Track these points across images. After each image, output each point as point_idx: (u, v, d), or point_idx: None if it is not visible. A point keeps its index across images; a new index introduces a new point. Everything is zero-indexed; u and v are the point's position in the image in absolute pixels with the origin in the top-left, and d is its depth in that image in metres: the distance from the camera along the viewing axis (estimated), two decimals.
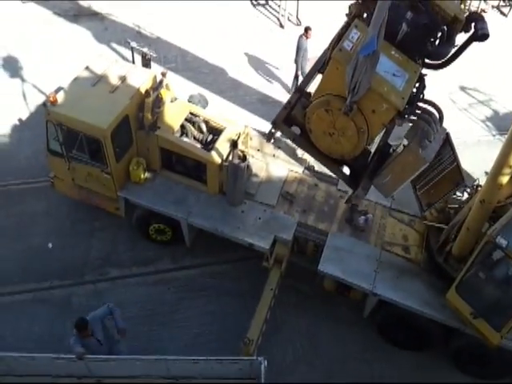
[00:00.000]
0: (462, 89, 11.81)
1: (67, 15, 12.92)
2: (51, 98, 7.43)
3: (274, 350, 7.52)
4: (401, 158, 3.69)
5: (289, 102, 4.50)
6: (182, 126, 8.16)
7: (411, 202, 8.04)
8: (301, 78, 10.63)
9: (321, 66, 4.52)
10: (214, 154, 7.82)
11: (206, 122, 8.34)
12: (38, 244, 8.80)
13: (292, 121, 4.33)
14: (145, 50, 8.27)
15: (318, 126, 3.95)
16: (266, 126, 10.29)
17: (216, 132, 8.27)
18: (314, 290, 7.95)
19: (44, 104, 7.55)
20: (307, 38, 10.61)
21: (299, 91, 4.53)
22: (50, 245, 8.82)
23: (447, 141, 4.08)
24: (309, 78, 4.75)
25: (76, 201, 8.85)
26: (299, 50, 10.69)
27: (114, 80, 7.86)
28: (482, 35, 4.29)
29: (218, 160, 7.80)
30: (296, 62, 10.86)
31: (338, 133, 3.85)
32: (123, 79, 7.87)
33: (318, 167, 8.65)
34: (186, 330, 7.82)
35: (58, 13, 12.93)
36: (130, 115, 7.70)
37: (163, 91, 7.90)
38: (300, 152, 8.37)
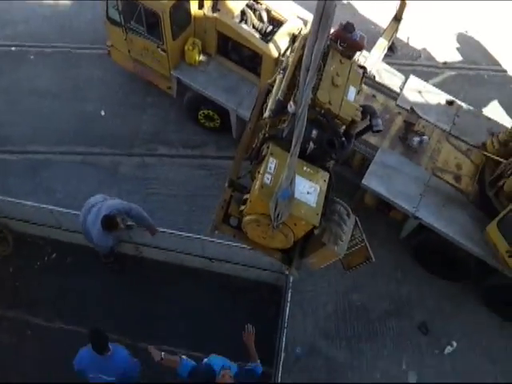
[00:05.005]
0: None
1: None
2: None
3: None
4: (321, 252, 4.26)
5: (224, 199, 4.69)
6: (243, 12, 7.68)
7: (473, 130, 7.63)
8: None
9: (248, 156, 4.82)
10: (271, 46, 7.42)
11: (268, 12, 7.82)
12: (91, 109, 8.97)
13: (229, 216, 4.65)
14: None
15: (252, 233, 4.43)
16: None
17: (276, 24, 7.77)
18: (354, 203, 7.84)
19: None
20: None
21: (231, 185, 4.71)
22: (103, 112, 8.97)
23: (357, 225, 4.56)
24: (237, 168, 4.93)
25: (130, 73, 8.79)
26: None
27: None
28: (376, 131, 4.99)
29: (275, 53, 7.40)
30: None
31: (270, 237, 4.35)
32: None
33: (379, 77, 8.18)
34: None
35: None
36: None
37: None
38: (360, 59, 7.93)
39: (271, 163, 4.08)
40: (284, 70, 4.76)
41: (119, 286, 6.76)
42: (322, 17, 2.63)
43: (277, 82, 4.74)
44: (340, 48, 4.78)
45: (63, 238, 7.03)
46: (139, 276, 6.87)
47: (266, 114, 4.46)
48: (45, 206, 6.55)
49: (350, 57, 4.89)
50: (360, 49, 5.28)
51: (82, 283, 6.71)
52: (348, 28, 5.10)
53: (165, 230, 6.48)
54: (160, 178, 8.38)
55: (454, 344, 7.34)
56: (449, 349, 7.30)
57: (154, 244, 6.81)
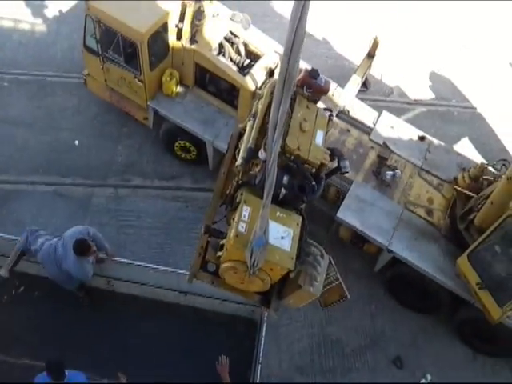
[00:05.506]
0: None
1: None
2: None
3: None
4: (297, 293, 4.35)
5: (201, 246, 4.71)
6: (221, 45, 7.78)
7: (444, 165, 7.83)
8: None
9: (223, 202, 4.91)
10: (248, 79, 7.50)
11: (245, 45, 7.94)
12: (64, 139, 8.86)
13: (206, 262, 4.69)
14: None
15: (230, 279, 4.48)
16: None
17: (253, 57, 7.88)
18: (328, 236, 7.80)
19: None
20: None
21: (207, 231, 4.73)
22: (77, 142, 8.87)
23: (330, 263, 4.65)
24: (212, 214, 4.99)
25: (106, 103, 8.75)
26: None
27: None
28: (344, 172, 4.94)
29: (252, 86, 7.50)
30: None
31: (248, 282, 4.40)
32: None
33: (353, 112, 8.34)
34: None
35: None
36: (170, 24, 7.37)
37: (206, 3, 7.44)
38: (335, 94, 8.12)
39: (245, 211, 4.11)
40: (254, 116, 4.78)
41: (89, 320, 6.55)
42: (286, 78, 2.66)
43: (247, 128, 4.77)
44: (306, 94, 4.87)
45: (31, 270, 6.78)
46: (110, 310, 6.69)
47: (238, 161, 4.48)
48: (14, 237, 6.34)
49: (316, 101, 4.98)
50: (325, 93, 5.39)
51: (51, 317, 6.49)
52: (313, 74, 5.23)
53: (139, 263, 6.33)
54: (134, 210, 8.29)
55: (429, 377, 7.33)
56: (423, 382, 7.29)
57: (126, 278, 6.65)
